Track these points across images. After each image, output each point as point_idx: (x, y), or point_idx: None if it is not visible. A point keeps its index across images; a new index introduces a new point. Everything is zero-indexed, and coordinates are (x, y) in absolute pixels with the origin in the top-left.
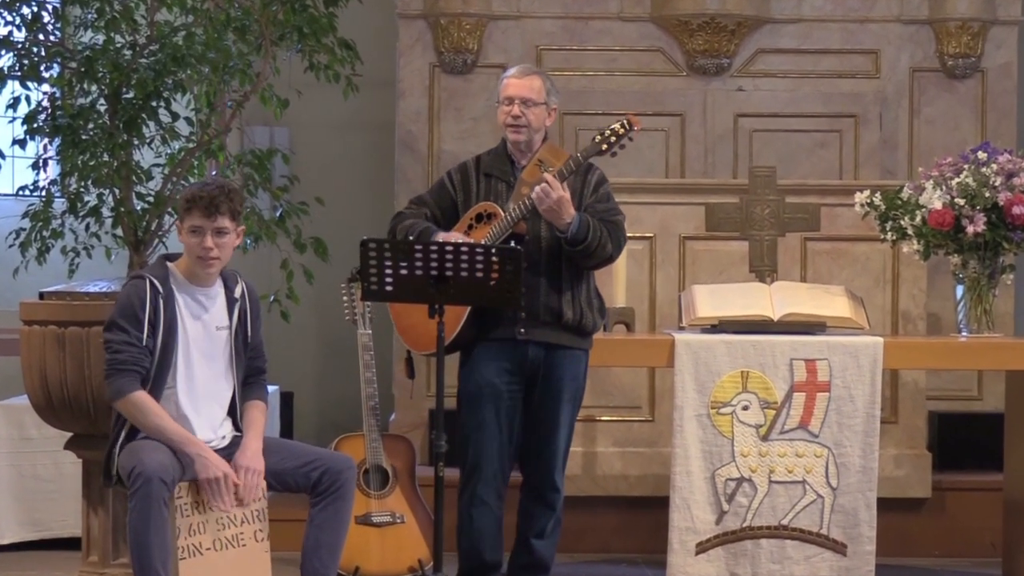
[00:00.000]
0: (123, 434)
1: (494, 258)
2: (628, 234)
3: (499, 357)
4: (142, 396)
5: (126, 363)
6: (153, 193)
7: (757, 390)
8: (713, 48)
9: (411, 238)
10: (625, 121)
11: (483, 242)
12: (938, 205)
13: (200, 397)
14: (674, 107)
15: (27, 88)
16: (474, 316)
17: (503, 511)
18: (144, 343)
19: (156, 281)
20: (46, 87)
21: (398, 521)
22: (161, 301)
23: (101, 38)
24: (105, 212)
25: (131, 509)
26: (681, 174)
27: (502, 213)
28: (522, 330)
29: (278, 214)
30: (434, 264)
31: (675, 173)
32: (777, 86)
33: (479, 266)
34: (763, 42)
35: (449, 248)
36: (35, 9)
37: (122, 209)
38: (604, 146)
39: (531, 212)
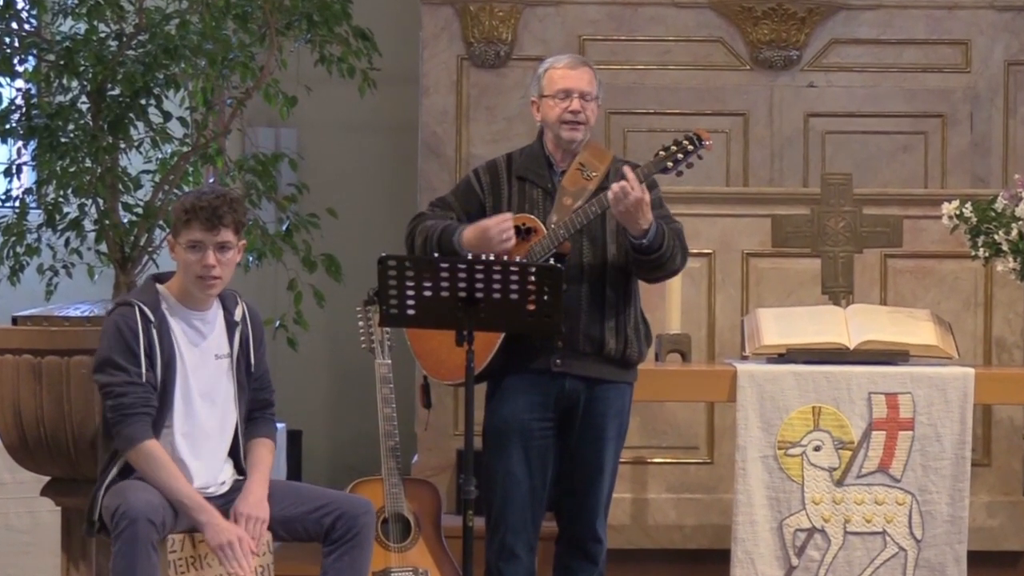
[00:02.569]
0: (111, 476)
1: (531, 277)
2: None
3: (530, 390)
4: (155, 447)
5: (134, 406)
6: (142, 204)
7: (831, 428)
8: (780, 38)
9: (436, 240)
10: (693, 136)
11: (518, 259)
12: None
13: (199, 437)
14: (736, 105)
15: None
16: (504, 344)
17: (535, 564)
18: (146, 379)
19: (146, 308)
20: (20, 83)
21: None
22: (155, 331)
23: (83, 27)
24: (87, 225)
25: (115, 554)
26: (744, 182)
27: (544, 229)
28: (558, 361)
29: (284, 228)
30: (463, 284)
31: (737, 181)
32: (853, 81)
33: (514, 286)
34: (837, 31)
35: (480, 266)
36: None
37: (107, 222)
38: (669, 163)
39: (579, 231)
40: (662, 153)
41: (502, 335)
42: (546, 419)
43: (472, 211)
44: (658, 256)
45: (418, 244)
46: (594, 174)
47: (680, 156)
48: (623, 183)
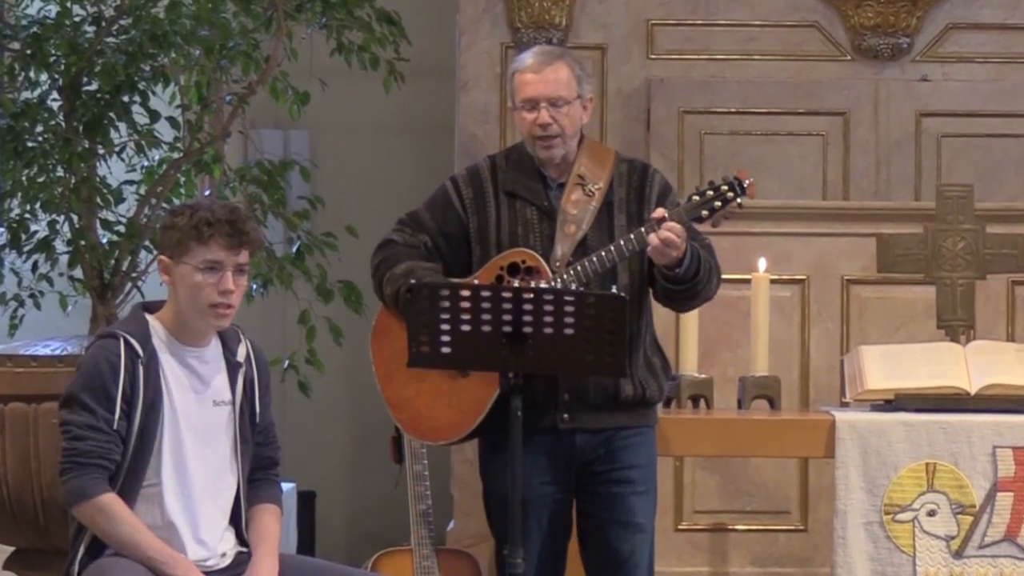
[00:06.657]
0: (83, 549)
1: (590, 309)
2: (772, 276)
3: (535, 450)
4: (110, 500)
5: (89, 455)
6: (124, 221)
7: (948, 489)
8: (888, 23)
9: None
10: (734, 180)
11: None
12: None
13: (196, 498)
14: (834, 103)
15: None
16: (499, 400)
17: None
18: (115, 427)
19: (134, 341)
20: None
21: None
22: (141, 368)
23: (54, 9)
24: (59, 246)
25: None
26: (844, 195)
27: (547, 270)
28: (565, 416)
29: (295, 249)
30: (508, 317)
31: (836, 193)
32: (975, 74)
33: (569, 319)
34: (956, 14)
35: (528, 295)
36: None
37: (82, 242)
38: (704, 212)
39: (595, 275)
40: (696, 198)
41: (496, 390)
42: (557, 481)
43: (452, 232)
44: (692, 284)
45: (387, 295)
46: (597, 187)
47: (718, 204)
48: (667, 236)
